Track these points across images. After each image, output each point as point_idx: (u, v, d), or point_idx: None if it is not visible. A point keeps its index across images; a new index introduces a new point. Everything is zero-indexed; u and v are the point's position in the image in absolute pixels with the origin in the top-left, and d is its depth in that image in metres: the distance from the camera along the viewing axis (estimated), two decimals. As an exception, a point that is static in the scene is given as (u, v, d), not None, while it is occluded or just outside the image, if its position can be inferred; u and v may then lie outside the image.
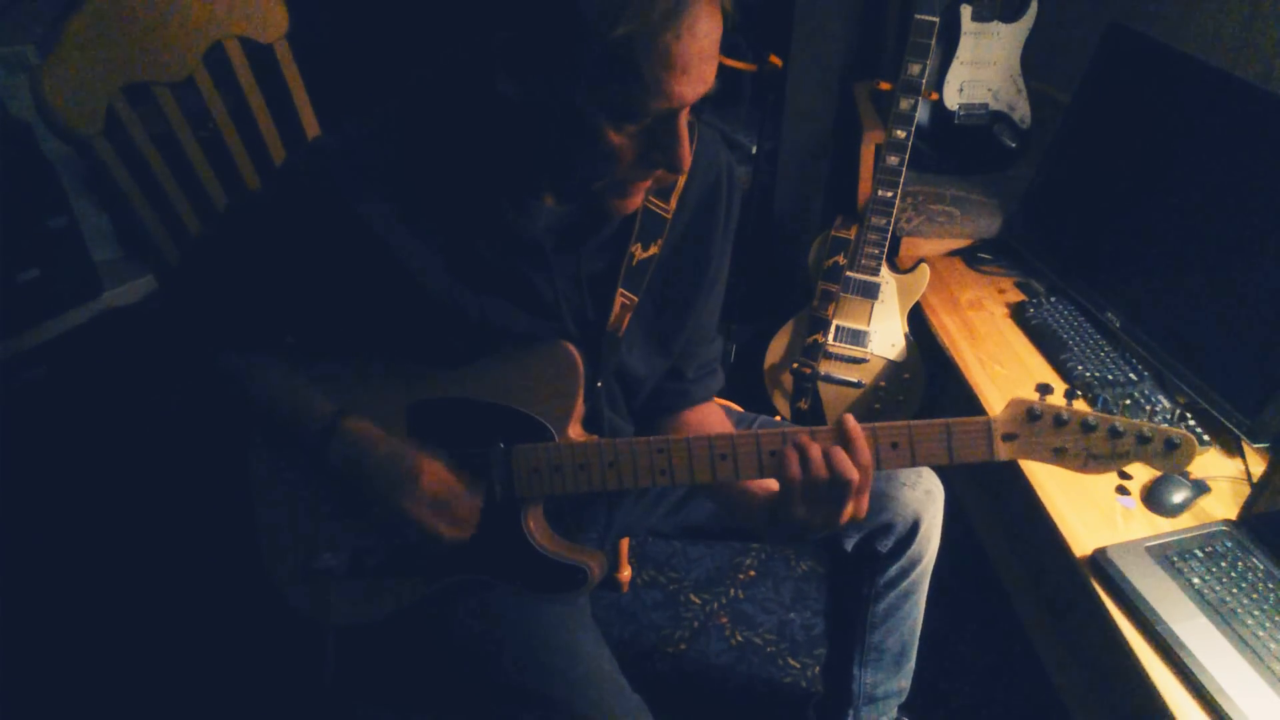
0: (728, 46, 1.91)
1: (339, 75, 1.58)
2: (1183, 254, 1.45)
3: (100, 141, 1.13)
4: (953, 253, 1.90)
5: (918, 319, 1.80)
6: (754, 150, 2.07)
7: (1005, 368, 1.56)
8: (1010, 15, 1.87)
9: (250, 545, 1.06)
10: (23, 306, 1.81)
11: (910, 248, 1.89)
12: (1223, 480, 1.28)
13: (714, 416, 1.18)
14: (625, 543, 1.79)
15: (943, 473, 1.22)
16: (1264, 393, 1.26)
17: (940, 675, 1.63)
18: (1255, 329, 1.30)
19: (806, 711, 1.52)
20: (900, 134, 1.67)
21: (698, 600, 1.81)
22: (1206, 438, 1.33)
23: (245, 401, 1.03)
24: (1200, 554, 1.14)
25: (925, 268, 1.77)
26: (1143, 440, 0.89)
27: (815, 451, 0.89)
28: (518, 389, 0.98)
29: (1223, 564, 1.13)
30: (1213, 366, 1.35)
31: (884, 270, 1.79)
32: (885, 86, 1.79)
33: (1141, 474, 1.28)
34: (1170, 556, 1.14)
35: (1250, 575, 1.11)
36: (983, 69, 1.89)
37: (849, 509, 0.91)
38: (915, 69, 1.63)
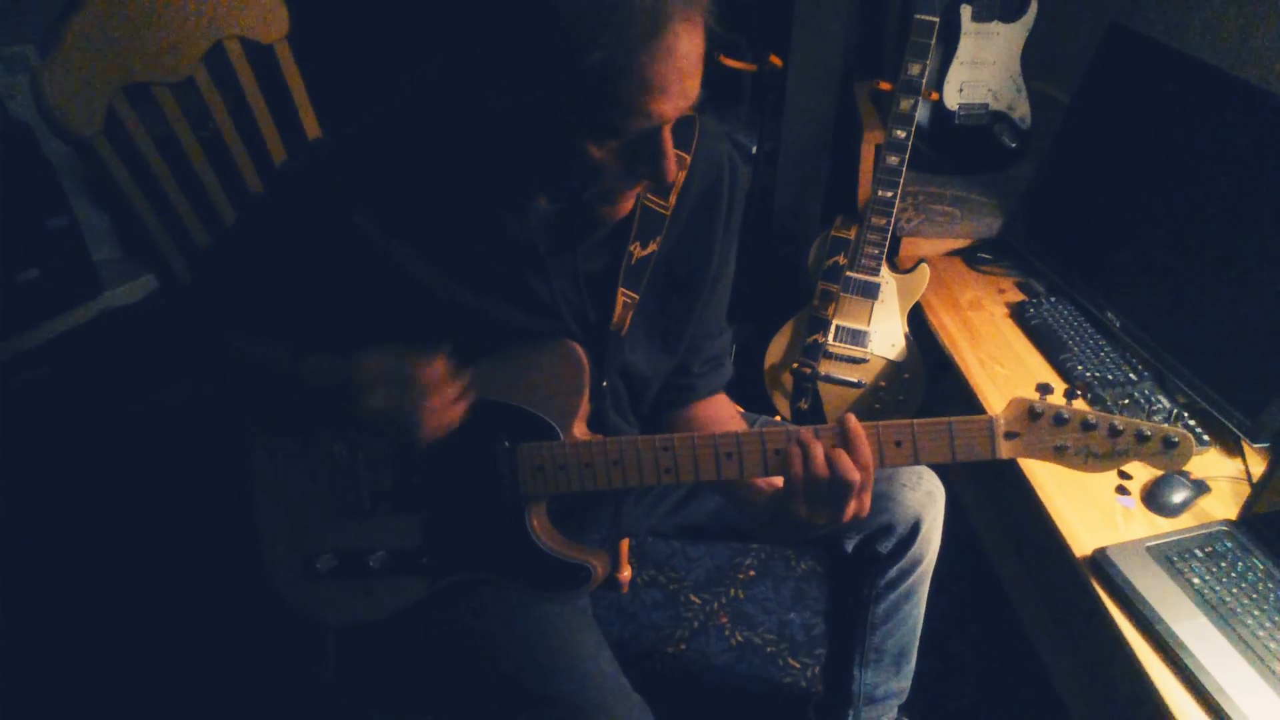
0: (728, 46, 1.92)
1: (339, 75, 1.58)
2: (1183, 254, 1.45)
3: (100, 142, 1.13)
4: (953, 253, 1.90)
5: (918, 319, 1.80)
6: (754, 150, 2.07)
7: (1005, 368, 1.56)
8: (1010, 15, 1.87)
9: (250, 545, 1.06)
10: (23, 306, 1.81)
11: (910, 248, 1.89)
12: (1223, 480, 1.28)
13: (723, 411, 1.18)
14: (625, 543, 1.78)
15: (943, 473, 1.22)
16: (1264, 393, 1.26)
17: (940, 675, 1.63)
18: (1255, 329, 1.30)
19: (806, 711, 1.52)
20: (900, 134, 1.67)
21: (698, 600, 1.81)
22: (1206, 438, 1.34)
23: (254, 372, 1.03)
24: (1200, 554, 1.14)
25: (925, 268, 1.77)
26: (1141, 439, 0.90)
27: (817, 450, 0.90)
28: (523, 387, 0.98)
29: (1223, 564, 1.13)
30: (1213, 366, 1.35)
31: (884, 270, 1.79)
32: (885, 86, 1.79)
33: (1141, 474, 1.28)
34: (1170, 556, 1.14)
35: (1250, 575, 1.11)
36: (983, 69, 1.89)
37: (851, 507, 0.91)
38: (915, 69, 1.63)
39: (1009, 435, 0.92)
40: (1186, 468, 1.25)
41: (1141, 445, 0.90)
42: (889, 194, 1.71)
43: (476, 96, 0.82)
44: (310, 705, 1.56)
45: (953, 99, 1.90)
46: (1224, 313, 1.36)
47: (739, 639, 1.74)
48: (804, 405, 1.91)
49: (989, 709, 1.61)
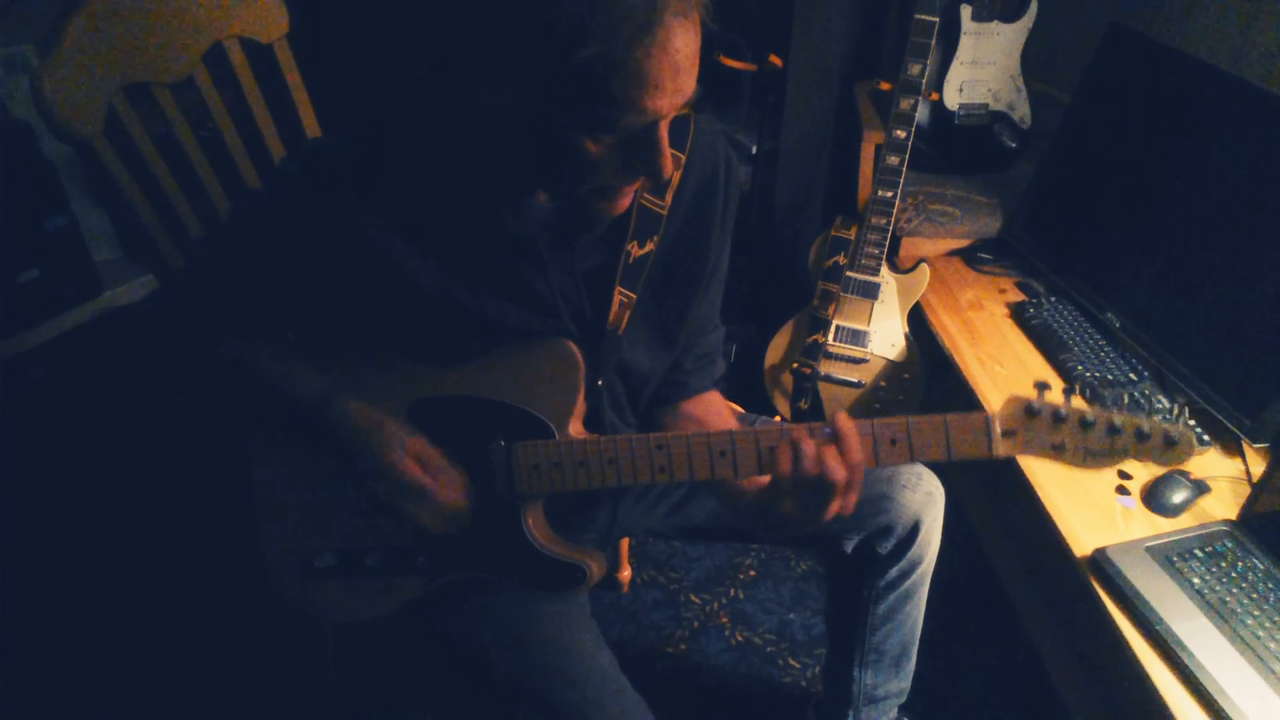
0: (728, 46, 1.92)
1: (339, 75, 1.58)
2: (1183, 254, 1.45)
3: (100, 141, 1.13)
4: (953, 253, 1.90)
5: (918, 319, 1.80)
6: (754, 150, 2.07)
7: (1005, 368, 1.56)
8: (1010, 15, 1.87)
9: (250, 544, 1.07)
10: (23, 306, 1.81)
11: (910, 248, 1.89)
12: (1223, 480, 1.28)
13: (714, 406, 1.18)
14: (625, 543, 1.79)
15: (943, 473, 1.22)
16: (1264, 393, 1.26)
17: (940, 675, 1.62)
18: (1255, 329, 1.30)
19: (806, 711, 1.52)
20: (900, 134, 1.67)
21: (698, 600, 1.81)
22: (1206, 438, 1.34)
23: (243, 385, 1.03)
24: (1200, 554, 1.14)
25: (925, 268, 1.77)
26: (1141, 436, 0.89)
27: (807, 448, 0.89)
28: (519, 386, 0.98)
29: (1223, 564, 1.13)
30: (1213, 366, 1.35)
31: (884, 270, 1.79)
32: (885, 86, 1.79)
33: (1141, 474, 1.28)
34: (1170, 556, 1.14)
35: (1250, 575, 1.11)
36: (983, 69, 1.89)
37: (835, 506, 0.91)
38: (915, 69, 1.63)
39: (1006, 433, 0.91)
40: (1186, 467, 1.26)
41: (1141, 443, 0.89)
42: (889, 194, 1.71)
43: (472, 92, 0.82)
44: (311, 705, 1.56)
45: (953, 99, 1.90)
46: (1224, 312, 1.36)
47: (739, 639, 1.74)
48: (804, 405, 1.90)
49: (989, 709, 1.61)
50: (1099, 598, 1.11)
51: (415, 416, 1.00)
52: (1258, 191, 1.34)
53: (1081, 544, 1.18)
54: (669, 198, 1.02)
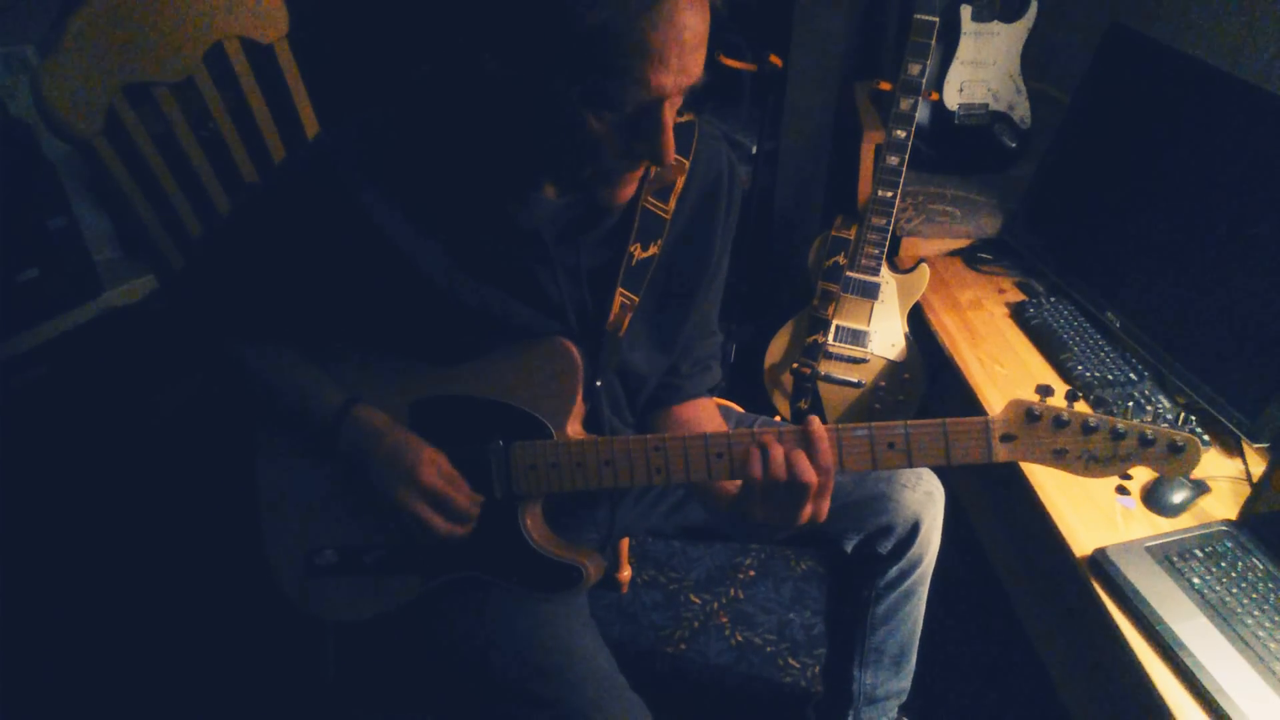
0: (728, 46, 1.92)
1: (339, 75, 1.58)
2: (1183, 254, 1.45)
3: (100, 142, 1.13)
4: (953, 253, 1.90)
5: (918, 319, 1.80)
6: (754, 150, 2.07)
7: (1005, 368, 1.55)
8: (1010, 15, 1.87)
9: (252, 543, 1.07)
10: (23, 306, 1.81)
11: (910, 248, 1.89)
12: (1223, 480, 1.28)
13: (705, 412, 1.18)
14: (625, 543, 1.78)
15: (942, 473, 1.22)
16: (1264, 393, 1.26)
17: (940, 675, 1.62)
18: (1255, 329, 1.30)
19: (806, 711, 1.52)
20: (900, 134, 1.67)
21: (698, 600, 1.81)
22: (1207, 438, 1.33)
23: (249, 387, 1.04)
24: (1200, 554, 1.14)
25: (925, 268, 1.77)
26: (1145, 443, 0.88)
27: (776, 452, 0.89)
28: (518, 386, 0.98)
29: (1223, 564, 1.13)
30: (1213, 366, 1.35)
31: (884, 270, 1.79)
32: (885, 86, 1.79)
33: (1141, 474, 1.27)
34: (1170, 556, 1.14)
35: (1250, 575, 1.11)
36: (983, 69, 1.89)
37: (807, 510, 0.91)
38: (915, 69, 1.63)
39: (1005, 438, 0.90)
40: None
41: (1146, 449, 0.88)
42: (889, 194, 1.71)
43: (479, 61, 0.81)
44: (311, 705, 1.56)
45: (953, 99, 1.90)
46: (1224, 313, 1.36)
47: (739, 639, 1.74)
48: (804, 405, 1.90)
49: (989, 709, 1.61)
50: (1099, 598, 1.11)
51: (414, 415, 1.00)
52: (1258, 191, 1.34)
53: (1081, 544, 1.18)
54: (673, 202, 1.02)
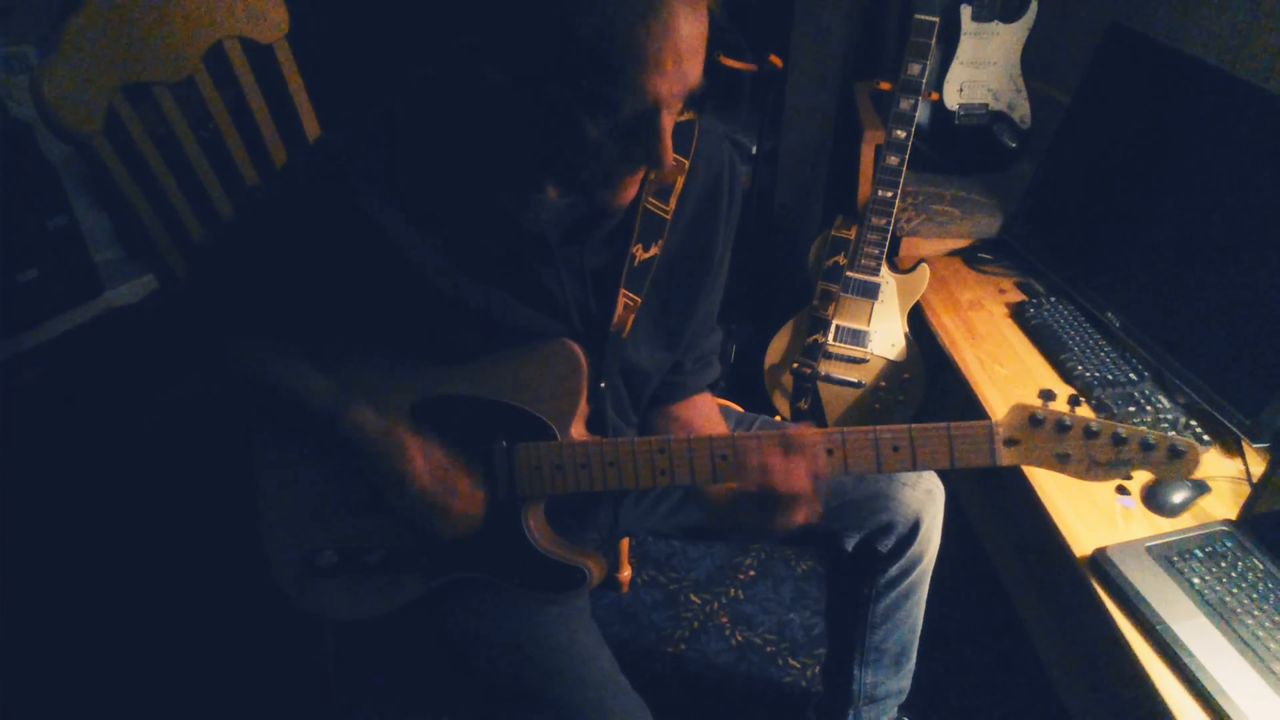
0: (728, 46, 1.92)
1: (339, 75, 1.58)
2: (1183, 254, 1.45)
3: (100, 141, 1.13)
4: (953, 253, 1.90)
5: (918, 319, 1.80)
6: (754, 150, 2.07)
7: (1005, 368, 1.56)
8: (1010, 15, 1.87)
9: (252, 542, 1.07)
10: (23, 306, 1.81)
11: (910, 248, 1.89)
12: (1223, 480, 1.28)
13: (706, 408, 1.18)
14: (625, 543, 1.78)
15: (943, 472, 1.22)
16: (1264, 393, 1.26)
17: (940, 675, 1.63)
18: (1255, 329, 1.30)
19: (806, 711, 1.52)
20: (900, 134, 1.67)
21: (698, 600, 1.81)
22: (1207, 438, 1.33)
23: (250, 387, 1.04)
24: (1200, 554, 1.14)
25: (925, 268, 1.77)
26: (1147, 447, 0.89)
27: (765, 458, 0.90)
28: (522, 387, 0.98)
29: (1223, 564, 1.13)
30: (1213, 366, 1.35)
31: (884, 270, 1.79)
32: (885, 86, 1.79)
33: (1142, 474, 1.28)
34: (1170, 556, 1.14)
35: (1250, 575, 1.11)
36: (983, 69, 1.89)
37: (799, 514, 0.92)
38: (915, 69, 1.63)
39: (1009, 442, 0.91)
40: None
41: (1147, 454, 0.89)
42: (889, 194, 1.71)
43: (479, 69, 0.82)
44: (311, 704, 1.56)
45: (953, 99, 1.90)
46: (1224, 313, 1.36)
47: (739, 639, 1.74)
48: (804, 405, 1.91)
49: (989, 709, 1.61)
50: (1099, 597, 1.11)
51: (417, 415, 1.00)
52: (1258, 191, 1.34)
53: (1081, 544, 1.18)
54: (673, 202, 1.02)
